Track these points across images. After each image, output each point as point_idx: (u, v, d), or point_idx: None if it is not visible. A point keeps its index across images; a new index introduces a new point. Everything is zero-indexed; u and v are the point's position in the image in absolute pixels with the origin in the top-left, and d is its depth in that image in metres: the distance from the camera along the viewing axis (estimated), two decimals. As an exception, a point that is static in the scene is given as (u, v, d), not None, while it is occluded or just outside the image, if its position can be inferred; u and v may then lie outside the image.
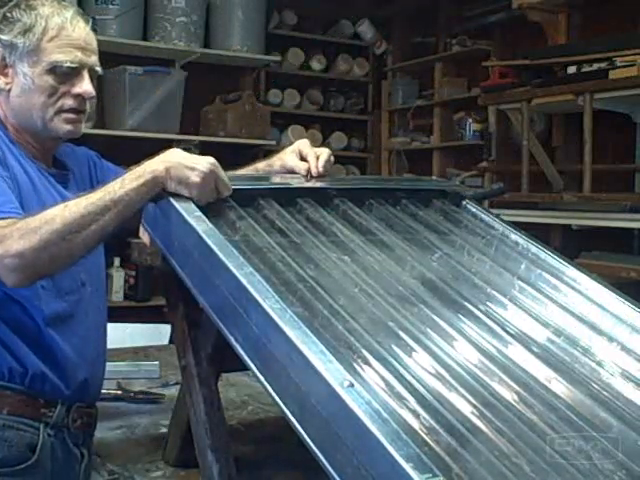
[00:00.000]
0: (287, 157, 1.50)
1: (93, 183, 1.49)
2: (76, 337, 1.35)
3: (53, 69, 1.32)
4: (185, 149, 1.33)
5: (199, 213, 1.22)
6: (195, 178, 1.22)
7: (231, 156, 5.29)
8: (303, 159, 1.48)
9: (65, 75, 1.34)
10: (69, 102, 1.35)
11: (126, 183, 1.19)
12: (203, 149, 4.54)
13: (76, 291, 1.36)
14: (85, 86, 1.35)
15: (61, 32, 1.33)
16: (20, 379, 1.27)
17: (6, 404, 1.25)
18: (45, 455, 1.27)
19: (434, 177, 4.35)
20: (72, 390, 1.33)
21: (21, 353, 1.27)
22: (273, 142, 4.82)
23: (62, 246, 1.15)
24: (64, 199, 1.40)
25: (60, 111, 1.35)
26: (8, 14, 1.34)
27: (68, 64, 1.33)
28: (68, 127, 1.36)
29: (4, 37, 1.33)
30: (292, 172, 1.49)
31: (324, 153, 1.48)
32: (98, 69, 1.38)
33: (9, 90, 1.35)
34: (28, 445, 1.26)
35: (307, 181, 1.46)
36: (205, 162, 1.25)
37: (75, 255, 1.19)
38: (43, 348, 1.29)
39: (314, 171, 1.45)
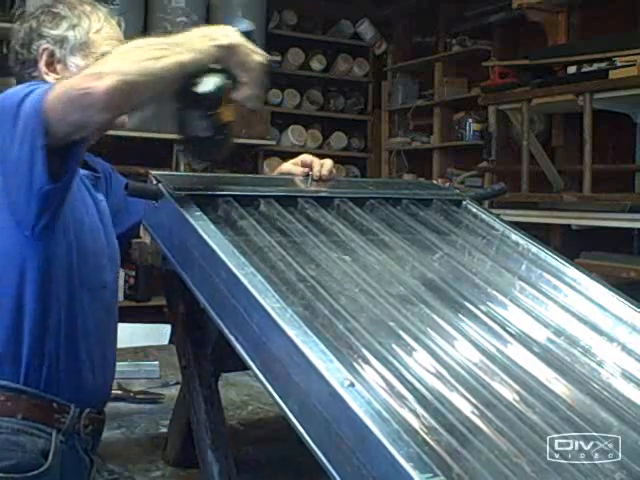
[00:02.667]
0: (290, 167, 1.53)
1: (108, 194, 1.49)
2: (91, 340, 1.34)
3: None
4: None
5: (200, 213, 1.22)
6: (259, 59, 1.22)
7: (231, 156, 5.26)
8: (305, 167, 1.50)
9: None
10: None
11: (200, 39, 1.17)
12: (203, 149, 4.55)
13: (97, 293, 1.36)
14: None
15: (104, 27, 1.39)
16: (35, 383, 1.25)
17: (21, 408, 1.23)
18: (56, 461, 1.25)
19: (434, 180, 4.35)
20: (85, 395, 1.33)
21: (34, 355, 1.25)
22: (273, 142, 4.83)
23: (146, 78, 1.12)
24: (95, 201, 1.41)
25: None
26: (54, 10, 1.38)
27: None
28: (121, 117, 1.37)
29: (54, 32, 1.36)
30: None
31: (327, 161, 1.51)
32: None
33: None
34: (41, 451, 1.24)
35: (309, 185, 1.47)
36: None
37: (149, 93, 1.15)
38: (59, 351, 1.28)
39: (317, 175, 1.46)
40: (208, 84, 1.18)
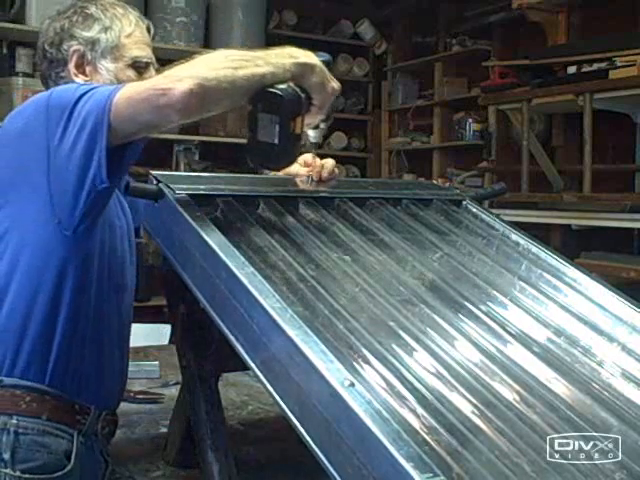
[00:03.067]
0: (296, 167, 1.53)
1: (121, 199, 1.50)
2: (113, 342, 1.35)
3: (134, 64, 1.37)
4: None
5: (200, 213, 1.22)
6: (334, 85, 1.26)
7: (231, 156, 5.27)
8: (308, 167, 1.51)
9: (140, 70, 1.38)
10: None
11: (283, 55, 1.22)
12: (203, 149, 4.55)
13: (120, 294, 1.36)
14: None
15: (135, 31, 1.39)
16: (60, 384, 1.25)
17: (46, 409, 1.23)
18: (77, 463, 1.26)
19: (434, 180, 4.35)
20: (103, 397, 1.33)
21: (62, 355, 1.25)
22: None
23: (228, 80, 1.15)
24: (121, 202, 1.42)
25: None
26: (87, 11, 1.38)
27: (146, 59, 1.39)
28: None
29: (86, 34, 1.36)
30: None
31: (329, 162, 1.51)
32: (156, 65, 1.43)
33: None
34: (64, 452, 1.24)
35: (310, 186, 1.47)
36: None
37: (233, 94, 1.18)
38: (85, 352, 1.28)
39: (318, 177, 1.47)
40: (291, 92, 1.21)
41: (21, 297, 1.22)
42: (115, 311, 1.35)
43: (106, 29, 1.37)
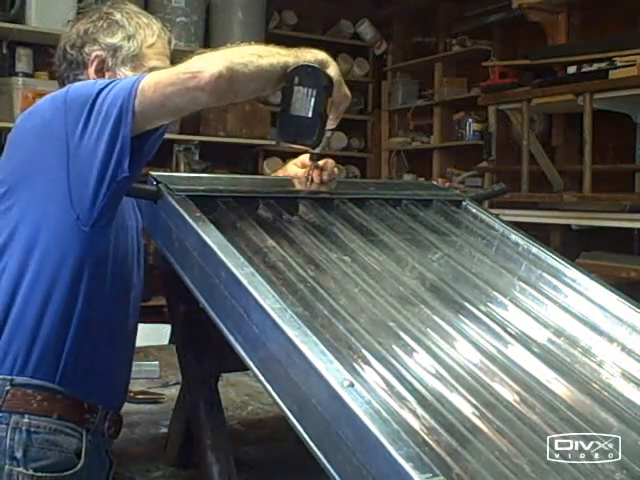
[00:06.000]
0: (289, 168, 1.53)
1: (132, 199, 1.50)
2: (121, 342, 1.35)
3: None
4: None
5: (199, 213, 1.22)
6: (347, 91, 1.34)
7: (231, 156, 5.28)
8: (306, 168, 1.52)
9: None
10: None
11: (300, 52, 1.28)
12: (203, 149, 4.55)
13: (128, 294, 1.36)
14: None
15: (157, 41, 1.41)
16: (70, 383, 1.25)
17: (57, 408, 1.23)
18: (86, 461, 1.26)
19: (434, 180, 4.35)
20: (111, 396, 1.33)
21: (74, 355, 1.24)
22: (273, 142, 4.82)
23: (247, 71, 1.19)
24: (132, 202, 1.42)
25: None
26: (112, 17, 1.39)
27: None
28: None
29: (109, 40, 1.37)
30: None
31: (329, 162, 1.51)
32: None
33: None
34: (75, 450, 1.25)
35: (309, 187, 1.47)
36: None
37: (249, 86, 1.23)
38: (96, 351, 1.28)
39: (317, 178, 1.47)
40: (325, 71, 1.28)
41: (34, 296, 1.21)
42: (124, 312, 1.35)
43: (129, 37, 1.37)
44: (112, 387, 1.34)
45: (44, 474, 1.20)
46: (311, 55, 1.28)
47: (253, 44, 1.26)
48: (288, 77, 1.25)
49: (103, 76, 1.36)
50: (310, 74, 1.25)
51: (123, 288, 1.34)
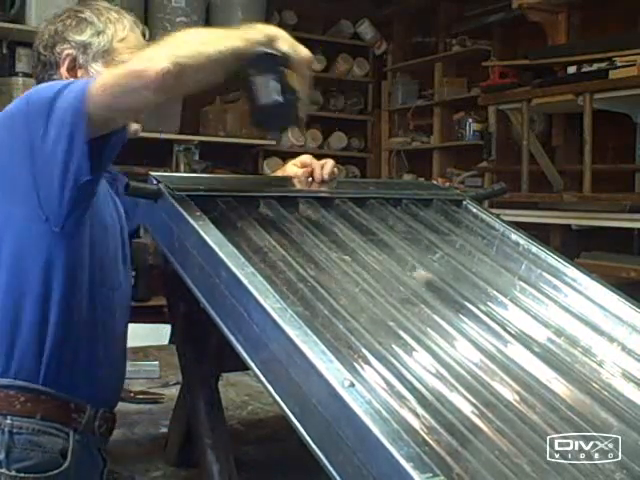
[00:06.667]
0: (288, 168, 1.53)
1: (115, 199, 1.50)
2: (108, 341, 1.34)
3: None
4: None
5: (199, 213, 1.22)
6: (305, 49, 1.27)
7: (231, 156, 5.27)
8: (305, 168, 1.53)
9: None
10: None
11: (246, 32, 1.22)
12: (203, 149, 4.55)
13: (113, 292, 1.36)
14: None
15: (129, 35, 1.39)
16: (54, 383, 1.25)
17: (40, 409, 1.23)
18: (73, 461, 1.26)
19: (434, 180, 4.35)
20: (100, 395, 1.33)
21: (55, 356, 1.24)
22: (273, 142, 4.83)
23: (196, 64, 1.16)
24: (114, 200, 1.42)
25: None
26: (81, 15, 1.38)
27: None
28: (135, 126, 1.38)
29: (79, 38, 1.37)
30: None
31: (328, 162, 1.52)
32: None
33: None
34: (60, 451, 1.24)
35: (309, 186, 1.47)
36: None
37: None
38: (79, 351, 1.28)
39: (318, 178, 1.47)
40: (273, 50, 1.23)
41: (9, 298, 1.22)
42: (109, 310, 1.34)
43: (99, 33, 1.37)
44: (101, 386, 1.33)
45: (27, 475, 1.19)
46: (257, 32, 1.22)
47: (197, 29, 1.22)
48: (242, 71, 1.22)
49: (75, 74, 1.36)
50: (264, 60, 1.21)
51: (106, 287, 1.33)
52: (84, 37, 1.36)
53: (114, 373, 1.38)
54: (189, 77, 1.15)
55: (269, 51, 1.22)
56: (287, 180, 1.51)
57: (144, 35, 1.44)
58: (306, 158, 1.52)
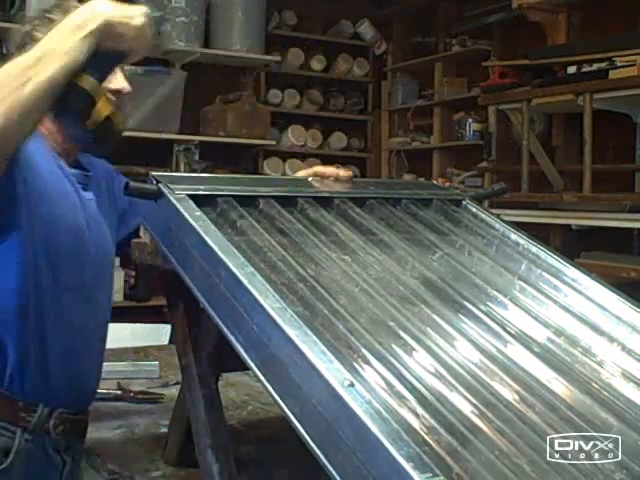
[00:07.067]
0: (321, 168, 1.55)
1: (110, 196, 1.49)
2: (68, 341, 1.32)
3: None
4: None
5: (199, 212, 1.22)
6: (137, 22, 1.13)
7: (231, 156, 5.28)
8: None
9: None
10: (111, 97, 1.36)
11: (67, 35, 1.10)
12: (203, 149, 4.55)
13: (76, 292, 1.34)
14: (123, 82, 1.38)
15: None
16: (0, 381, 1.24)
17: None
18: (20, 460, 1.24)
19: (434, 180, 4.35)
20: (56, 394, 1.31)
21: (4, 355, 1.24)
22: (273, 142, 4.83)
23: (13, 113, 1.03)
24: (81, 200, 1.41)
25: None
26: (50, 16, 1.37)
27: None
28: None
29: None
30: None
31: (342, 170, 1.54)
32: (127, 67, 1.41)
33: None
34: (2, 449, 1.23)
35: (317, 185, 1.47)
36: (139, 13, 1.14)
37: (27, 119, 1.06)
38: (30, 351, 1.26)
39: (333, 174, 1.49)
40: (75, 94, 1.13)
41: None
42: (71, 310, 1.33)
43: None
44: (56, 387, 1.31)
45: None
46: (76, 40, 1.08)
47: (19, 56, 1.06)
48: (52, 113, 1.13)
49: None
50: (63, 109, 1.12)
51: (65, 287, 1.31)
52: None
53: (77, 374, 1.36)
54: (11, 135, 1.04)
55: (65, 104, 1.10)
56: (287, 180, 1.51)
57: None
58: (319, 167, 1.52)
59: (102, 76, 1.17)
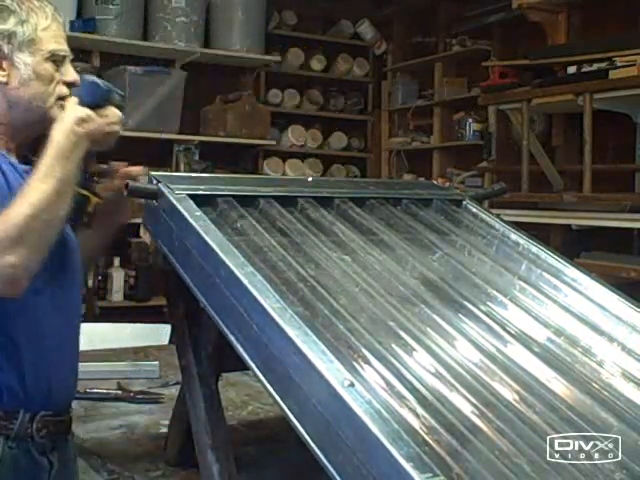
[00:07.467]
0: None
1: None
2: (39, 340, 1.30)
3: (51, 57, 1.35)
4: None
5: (200, 213, 1.22)
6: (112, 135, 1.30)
7: (231, 156, 5.27)
8: None
9: (58, 63, 1.36)
10: (64, 90, 1.37)
11: (66, 162, 1.23)
12: (203, 149, 4.55)
13: (43, 294, 1.30)
14: (74, 74, 1.39)
15: (52, 24, 1.36)
16: None
17: None
18: (6, 467, 1.23)
19: (434, 180, 4.35)
20: (35, 398, 1.28)
21: None
22: (273, 142, 4.82)
23: (43, 243, 1.19)
24: None
25: (59, 99, 1.36)
26: (2, 4, 1.35)
27: (63, 53, 1.36)
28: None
29: (2, 27, 1.33)
30: None
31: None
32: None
33: (6, 83, 1.34)
34: None
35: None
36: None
37: (49, 243, 1.21)
38: (0, 358, 1.24)
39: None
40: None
41: None
42: (40, 312, 1.30)
43: (22, 22, 1.33)
44: (35, 391, 1.29)
45: None
46: (70, 166, 1.22)
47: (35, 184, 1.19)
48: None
49: (1, 65, 1.32)
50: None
51: (30, 288, 1.27)
52: (8, 26, 1.33)
53: (54, 374, 1.33)
54: (47, 241, 1.19)
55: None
56: (287, 180, 1.51)
57: (64, 25, 1.40)
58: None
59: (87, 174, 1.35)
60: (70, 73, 1.38)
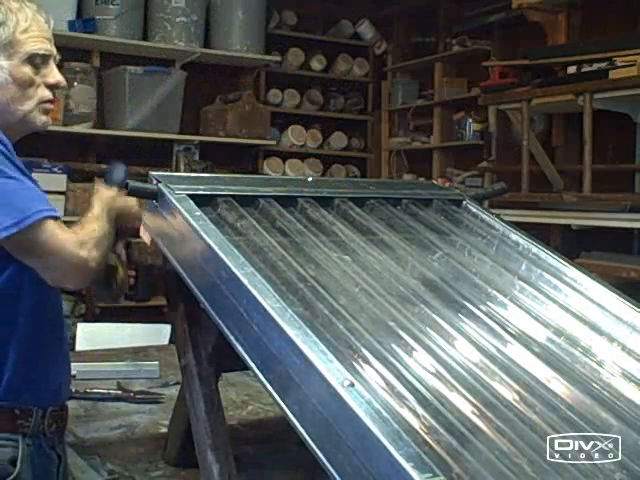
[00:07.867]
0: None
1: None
2: (47, 341, 1.32)
3: (30, 59, 1.33)
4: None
5: (200, 213, 1.22)
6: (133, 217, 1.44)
7: (231, 156, 5.27)
8: None
9: (38, 66, 1.34)
10: (46, 93, 1.35)
11: (107, 220, 1.36)
12: (203, 149, 4.55)
13: (53, 288, 1.32)
14: (58, 76, 1.37)
15: (31, 25, 1.34)
16: None
17: None
18: (26, 466, 1.24)
19: (434, 180, 4.35)
20: (45, 396, 1.31)
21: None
22: (273, 142, 4.83)
23: (103, 262, 1.34)
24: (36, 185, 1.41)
25: (40, 102, 1.35)
26: None
27: (43, 52, 1.34)
28: (45, 118, 1.36)
29: None
30: None
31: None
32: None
33: None
34: (9, 460, 1.23)
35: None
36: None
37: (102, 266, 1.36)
38: (20, 357, 1.26)
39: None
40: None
41: None
42: (46, 309, 1.32)
43: (0, 24, 1.31)
44: (45, 387, 1.31)
45: None
46: (107, 223, 1.35)
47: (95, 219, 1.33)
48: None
49: None
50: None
51: (39, 286, 1.29)
52: None
53: (59, 370, 1.36)
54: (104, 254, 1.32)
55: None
56: (287, 180, 1.51)
57: (49, 23, 1.38)
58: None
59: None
60: (53, 74, 1.36)
